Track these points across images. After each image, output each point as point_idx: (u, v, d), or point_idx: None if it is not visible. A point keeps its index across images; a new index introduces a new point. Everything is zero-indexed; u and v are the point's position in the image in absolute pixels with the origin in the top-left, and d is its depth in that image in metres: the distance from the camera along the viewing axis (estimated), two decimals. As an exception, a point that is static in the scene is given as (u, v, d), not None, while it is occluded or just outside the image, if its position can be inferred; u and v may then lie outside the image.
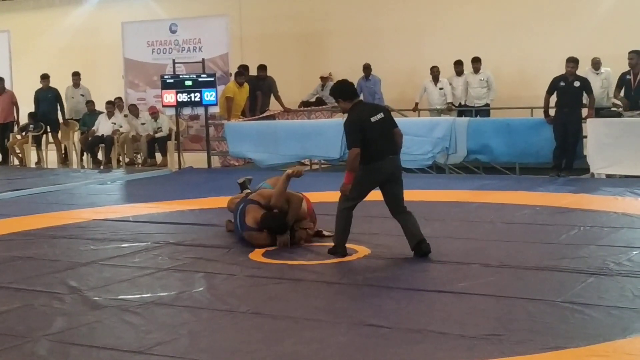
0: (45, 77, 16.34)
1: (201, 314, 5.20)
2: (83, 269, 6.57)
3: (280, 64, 16.45)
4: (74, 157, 16.22)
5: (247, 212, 7.13)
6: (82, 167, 15.63)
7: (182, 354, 4.44)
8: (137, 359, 4.39)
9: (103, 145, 15.34)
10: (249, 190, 7.87)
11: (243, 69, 14.91)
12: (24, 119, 16.37)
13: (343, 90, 6.68)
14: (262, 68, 15.15)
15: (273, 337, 4.68)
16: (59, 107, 16.23)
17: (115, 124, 15.32)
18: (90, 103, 16.15)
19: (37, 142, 16.13)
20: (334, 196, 9.86)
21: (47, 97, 16.26)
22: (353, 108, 6.57)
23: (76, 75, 16.72)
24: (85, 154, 15.75)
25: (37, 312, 5.35)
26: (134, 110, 15.36)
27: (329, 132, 13.19)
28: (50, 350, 4.56)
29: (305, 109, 15.54)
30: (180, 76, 14.30)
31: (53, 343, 4.67)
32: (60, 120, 16.30)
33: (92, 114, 15.95)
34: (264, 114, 14.94)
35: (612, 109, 12.50)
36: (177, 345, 4.58)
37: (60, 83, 16.91)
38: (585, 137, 11.60)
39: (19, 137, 16.26)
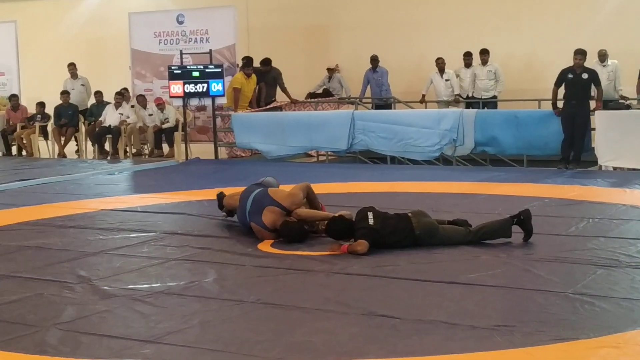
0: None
1: (211, 304, 5.20)
2: (92, 259, 6.58)
3: (287, 55, 16.44)
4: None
5: (268, 210, 6.96)
6: (87, 158, 15.66)
7: (192, 344, 4.44)
8: (148, 348, 4.40)
9: (110, 136, 15.36)
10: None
11: (248, 60, 14.90)
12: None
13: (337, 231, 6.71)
14: (265, 62, 15.09)
15: (283, 327, 4.68)
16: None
17: (122, 114, 15.33)
18: (98, 94, 16.16)
19: (44, 132, 16.16)
20: (340, 187, 9.94)
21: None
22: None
23: (72, 66, 16.76)
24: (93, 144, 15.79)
25: (47, 301, 5.36)
26: (141, 101, 15.38)
27: (336, 123, 13.20)
28: (61, 339, 4.57)
29: (312, 100, 15.54)
30: (188, 67, 14.31)
31: (64, 332, 4.68)
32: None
33: (99, 105, 15.98)
34: (270, 105, 14.94)
35: (620, 101, 12.49)
36: (188, 335, 4.59)
37: (67, 74, 16.92)
38: (594, 129, 11.58)
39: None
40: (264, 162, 13.56)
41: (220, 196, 8.12)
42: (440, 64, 14.75)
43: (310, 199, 7.31)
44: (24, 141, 16.17)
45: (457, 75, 14.75)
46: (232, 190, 8.18)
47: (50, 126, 16.08)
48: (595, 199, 8.78)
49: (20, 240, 7.39)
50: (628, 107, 11.99)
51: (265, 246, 6.80)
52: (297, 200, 7.11)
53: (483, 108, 13.98)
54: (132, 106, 15.53)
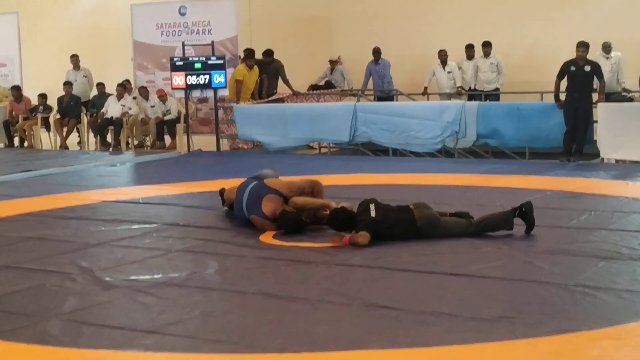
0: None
1: (212, 295, 5.21)
2: (94, 250, 6.59)
3: (289, 47, 16.41)
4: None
5: (266, 199, 6.95)
6: (89, 149, 15.65)
7: (194, 334, 4.45)
8: (149, 338, 4.40)
9: (112, 127, 15.36)
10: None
11: (250, 52, 14.88)
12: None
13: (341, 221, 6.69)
14: (267, 54, 15.08)
15: (285, 318, 4.69)
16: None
17: (124, 106, 15.32)
18: (100, 85, 16.17)
19: (46, 124, 16.15)
20: (342, 179, 9.94)
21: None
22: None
23: (75, 57, 16.76)
24: (95, 136, 15.79)
25: (49, 292, 5.37)
26: (143, 92, 15.37)
27: (338, 115, 13.19)
28: (63, 330, 4.58)
29: (314, 92, 15.53)
30: (190, 59, 14.29)
31: (65, 322, 4.69)
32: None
33: (101, 96, 15.98)
34: (272, 97, 14.93)
35: (623, 93, 12.47)
36: (189, 326, 4.59)
37: (70, 65, 16.91)
38: (596, 121, 11.57)
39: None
40: (266, 154, 13.56)
41: (222, 192, 8.13)
42: (443, 56, 14.73)
43: (316, 193, 7.25)
44: (26, 132, 16.17)
45: (460, 68, 14.73)
46: (233, 183, 8.19)
47: (52, 117, 16.08)
48: (597, 192, 8.78)
49: (22, 231, 7.40)
50: (630, 99, 11.98)
51: (267, 238, 6.80)
52: (295, 187, 7.09)
53: (485, 100, 13.97)
54: (134, 98, 15.52)
